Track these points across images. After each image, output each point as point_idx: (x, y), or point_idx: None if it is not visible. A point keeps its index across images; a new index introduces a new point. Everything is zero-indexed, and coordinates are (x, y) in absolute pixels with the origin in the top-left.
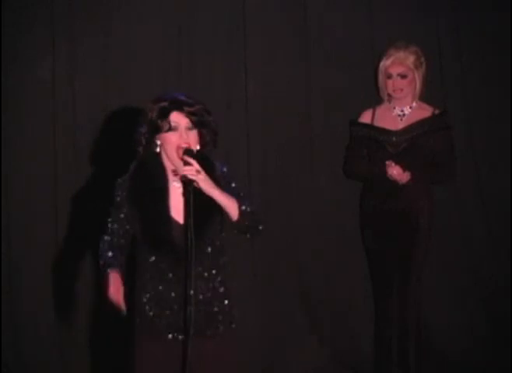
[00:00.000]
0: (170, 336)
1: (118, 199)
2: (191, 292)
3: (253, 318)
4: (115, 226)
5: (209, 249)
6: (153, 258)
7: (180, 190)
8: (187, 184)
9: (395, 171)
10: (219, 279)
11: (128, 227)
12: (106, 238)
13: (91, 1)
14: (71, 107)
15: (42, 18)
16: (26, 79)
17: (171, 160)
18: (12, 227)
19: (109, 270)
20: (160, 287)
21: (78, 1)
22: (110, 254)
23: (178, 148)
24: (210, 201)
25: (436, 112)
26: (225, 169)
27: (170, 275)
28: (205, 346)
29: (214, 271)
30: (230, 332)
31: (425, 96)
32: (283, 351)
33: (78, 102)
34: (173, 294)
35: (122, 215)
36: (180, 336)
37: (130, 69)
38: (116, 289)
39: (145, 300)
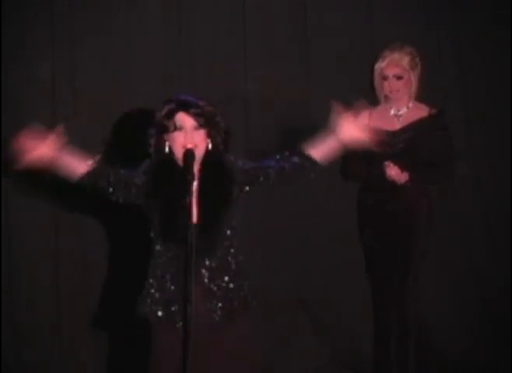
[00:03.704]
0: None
1: (136, 179)
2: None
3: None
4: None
5: (220, 242)
6: (167, 250)
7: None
8: (189, 184)
9: (394, 171)
10: (233, 274)
11: (121, 181)
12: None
13: (91, 1)
14: (71, 107)
15: (42, 18)
16: (26, 79)
17: (179, 160)
18: (12, 227)
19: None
20: (171, 279)
21: (78, 1)
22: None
23: (184, 147)
24: (220, 196)
25: (433, 112)
26: (231, 158)
27: (182, 267)
28: (222, 335)
29: (226, 263)
30: (246, 320)
31: (424, 96)
32: (283, 351)
33: (78, 102)
34: (181, 286)
35: (133, 180)
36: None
37: (130, 69)
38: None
39: (153, 290)
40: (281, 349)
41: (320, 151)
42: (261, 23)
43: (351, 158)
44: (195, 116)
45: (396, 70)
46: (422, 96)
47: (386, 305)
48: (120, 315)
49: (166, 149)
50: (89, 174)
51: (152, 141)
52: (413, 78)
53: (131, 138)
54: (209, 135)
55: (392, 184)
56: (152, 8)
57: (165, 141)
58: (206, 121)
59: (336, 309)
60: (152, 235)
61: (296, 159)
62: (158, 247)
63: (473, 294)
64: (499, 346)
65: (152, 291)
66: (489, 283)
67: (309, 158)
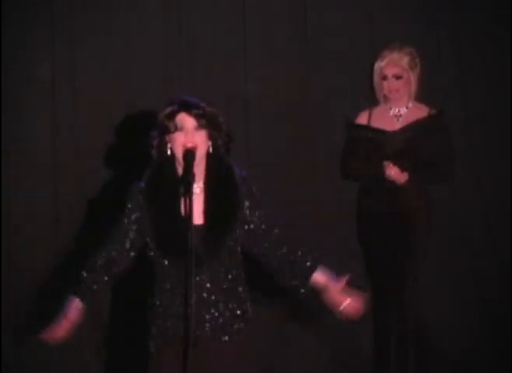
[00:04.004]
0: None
1: (130, 205)
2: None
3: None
4: (115, 234)
5: (226, 253)
6: (166, 262)
7: (196, 192)
8: (189, 184)
9: (393, 171)
10: (235, 282)
11: (131, 236)
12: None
13: (91, 1)
14: (71, 107)
15: (42, 18)
16: (26, 79)
17: (180, 160)
18: (12, 226)
19: (73, 296)
20: (173, 292)
21: (78, 1)
22: (85, 274)
23: (183, 147)
24: (227, 203)
25: (433, 112)
26: (244, 174)
27: (182, 278)
28: (220, 350)
29: (230, 275)
30: (246, 336)
31: (424, 96)
32: (283, 351)
33: (78, 102)
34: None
35: (128, 222)
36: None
37: (130, 69)
38: (63, 325)
39: (158, 302)
40: (281, 349)
41: (319, 283)
42: (261, 23)
43: (351, 158)
44: (197, 116)
45: (395, 70)
46: (422, 96)
47: (386, 305)
48: (120, 315)
49: (168, 151)
50: (88, 290)
51: (154, 143)
52: (413, 78)
53: (133, 140)
54: (210, 137)
55: (392, 184)
56: (152, 8)
57: (167, 143)
58: (208, 122)
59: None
60: (152, 253)
61: (294, 270)
62: (160, 261)
63: (473, 294)
64: (499, 346)
65: (158, 303)
66: (489, 283)
67: (304, 281)
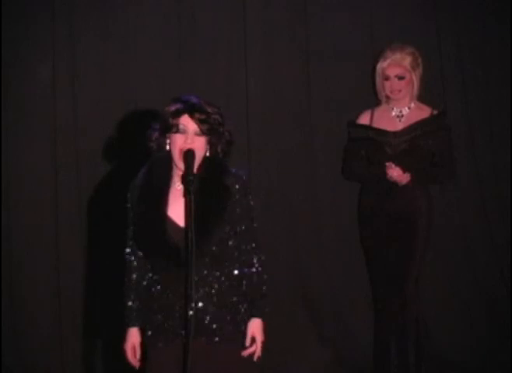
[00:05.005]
0: (178, 342)
1: (128, 205)
2: (192, 297)
3: None
4: (131, 243)
5: (214, 253)
6: (151, 262)
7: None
8: (189, 185)
9: (395, 172)
10: (226, 284)
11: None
12: (127, 257)
13: (91, 1)
14: (71, 107)
15: (42, 18)
16: (26, 79)
17: (176, 162)
18: (12, 227)
19: (128, 327)
20: (163, 294)
21: (79, 1)
22: (130, 303)
23: (181, 150)
24: (214, 205)
25: (435, 112)
26: (244, 178)
27: (170, 279)
28: (215, 352)
29: (222, 277)
30: (242, 338)
31: (425, 96)
32: (283, 351)
33: (79, 102)
34: (174, 300)
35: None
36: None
37: (130, 69)
38: (130, 347)
39: (149, 301)
40: (281, 349)
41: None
42: (261, 23)
43: (352, 159)
44: (199, 122)
45: (398, 70)
46: (422, 96)
47: (386, 305)
48: (120, 315)
49: (167, 147)
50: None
51: (154, 136)
52: (415, 78)
53: (133, 140)
54: (210, 142)
55: (392, 185)
56: (152, 9)
57: (166, 139)
58: (209, 129)
59: (336, 309)
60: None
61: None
62: (147, 262)
63: (473, 294)
64: (499, 346)
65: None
66: (489, 283)
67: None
